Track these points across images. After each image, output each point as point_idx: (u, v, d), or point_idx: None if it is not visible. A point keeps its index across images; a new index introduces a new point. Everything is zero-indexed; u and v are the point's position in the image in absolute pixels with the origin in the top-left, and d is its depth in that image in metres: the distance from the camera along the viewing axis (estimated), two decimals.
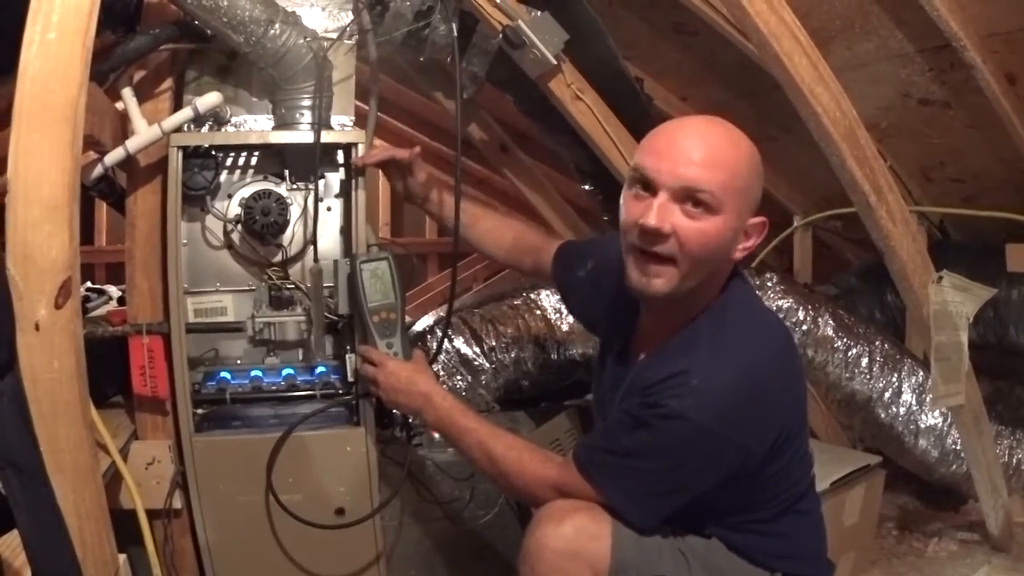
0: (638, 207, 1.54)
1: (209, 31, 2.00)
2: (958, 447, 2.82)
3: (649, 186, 1.53)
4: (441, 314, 2.81)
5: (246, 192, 2.07)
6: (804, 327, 2.79)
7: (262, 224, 2.02)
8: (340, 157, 2.16)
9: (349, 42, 2.18)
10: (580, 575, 1.55)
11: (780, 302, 2.79)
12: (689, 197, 1.50)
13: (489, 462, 1.74)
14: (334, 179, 2.18)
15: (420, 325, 2.74)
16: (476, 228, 2.18)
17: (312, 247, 2.11)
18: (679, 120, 1.62)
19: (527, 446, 1.74)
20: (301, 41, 2.00)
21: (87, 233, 5.58)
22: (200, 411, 2.08)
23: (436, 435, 2.38)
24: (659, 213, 1.50)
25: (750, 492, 1.63)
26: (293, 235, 2.11)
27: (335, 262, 2.08)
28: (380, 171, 2.17)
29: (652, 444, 1.54)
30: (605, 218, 3.43)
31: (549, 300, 2.76)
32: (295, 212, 2.10)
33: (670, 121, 1.62)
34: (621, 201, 1.61)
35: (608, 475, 1.60)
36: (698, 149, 1.50)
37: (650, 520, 1.59)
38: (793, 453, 1.64)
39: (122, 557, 1.62)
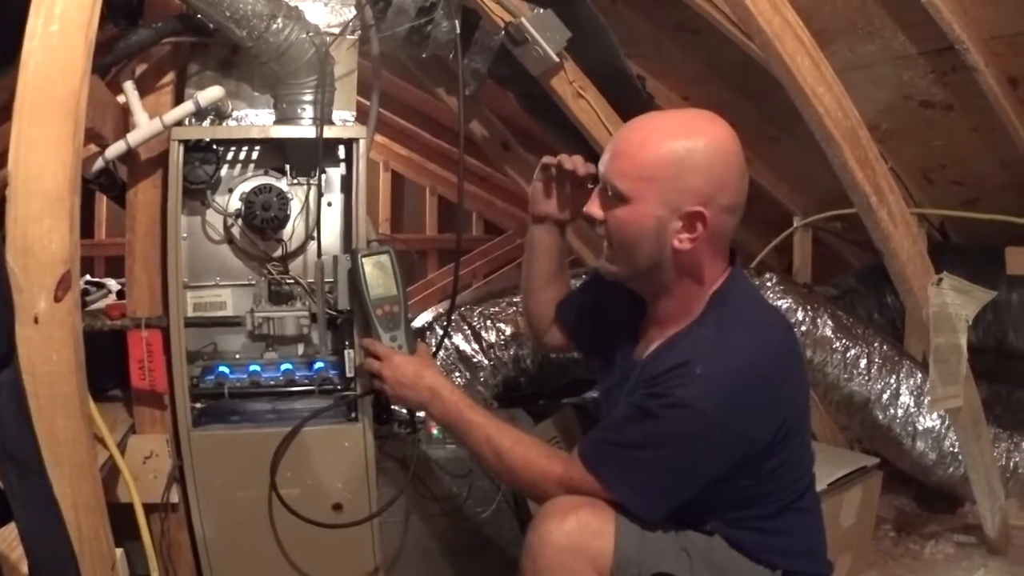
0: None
1: (211, 25, 2.00)
2: (956, 450, 2.83)
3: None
4: (440, 310, 2.81)
5: (247, 186, 2.07)
6: (803, 327, 2.79)
7: (262, 219, 2.02)
8: (341, 152, 2.16)
9: (351, 37, 2.18)
10: (582, 571, 1.55)
11: (779, 302, 2.79)
12: (607, 186, 1.64)
13: (496, 457, 1.73)
14: (335, 174, 2.18)
15: (420, 321, 2.74)
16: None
17: (312, 242, 2.11)
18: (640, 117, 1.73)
19: (533, 442, 1.74)
20: (303, 36, 2.00)
21: (87, 226, 5.58)
22: (198, 405, 2.08)
23: (434, 431, 2.39)
24: (592, 201, 1.69)
25: (752, 487, 1.64)
26: (293, 230, 2.11)
27: (335, 257, 2.07)
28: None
29: (658, 434, 1.56)
30: None
31: None
32: (296, 207, 2.09)
33: None
34: None
35: (613, 468, 1.60)
36: (620, 142, 1.66)
37: (655, 513, 1.60)
38: (794, 448, 1.65)
39: (119, 551, 1.62)
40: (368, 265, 1.98)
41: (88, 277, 3.23)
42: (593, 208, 1.68)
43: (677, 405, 1.52)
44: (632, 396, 1.63)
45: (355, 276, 1.99)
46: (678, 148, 1.58)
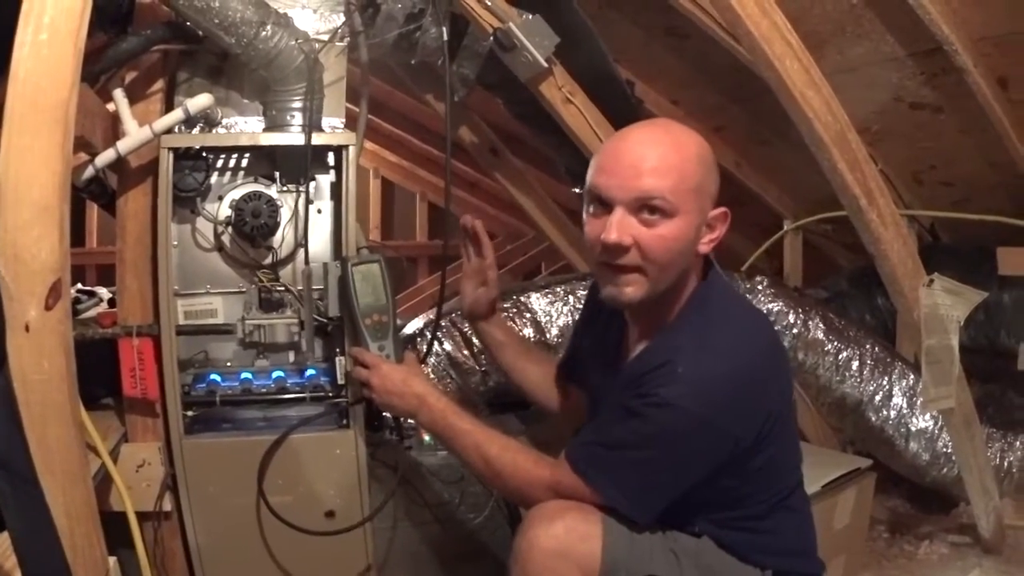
0: (597, 224, 1.60)
1: (201, 32, 2.00)
2: (949, 450, 2.83)
3: (604, 203, 1.59)
4: (431, 317, 2.81)
5: (236, 194, 2.06)
6: (794, 330, 2.80)
7: (252, 226, 2.02)
8: (330, 159, 2.16)
9: (340, 44, 2.18)
10: (570, 575, 1.55)
11: (770, 305, 2.80)
12: (644, 206, 1.56)
13: (484, 463, 1.74)
14: (324, 181, 2.18)
15: (410, 328, 2.73)
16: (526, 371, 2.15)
17: (302, 249, 2.10)
18: (622, 133, 1.67)
19: (521, 447, 1.75)
20: (292, 43, 2.00)
21: (77, 235, 5.57)
22: (190, 413, 2.07)
23: (426, 437, 2.38)
24: (618, 228, 1.56)
25: (737, 487, 1.65)
26: (283, 237, 2.10)
27: (324, 265, 2.07)
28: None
29: (643, 433, 1.56)
30: None
31: (539, 303, 2.75)
32: (285, 214, 2.09)
33: (614, 135, 1.69)
34: (583, 221, 1.66)
35: (600, 470, 1.61)
36: (643, 159, 1.56)
37: (644, 514, 1.61)
38: (780, 446, 1.66)
39: (112, 559, 1.61)
40: (358, 275, 1.98)
41: (79, 286, 3.21)
42: (621, 235, 1.56)
43: (660, 405, 1.53)
44: (616, 398, 1.64)
45: (345, 285, 1.99)
46: (699, 153, 1.60)
